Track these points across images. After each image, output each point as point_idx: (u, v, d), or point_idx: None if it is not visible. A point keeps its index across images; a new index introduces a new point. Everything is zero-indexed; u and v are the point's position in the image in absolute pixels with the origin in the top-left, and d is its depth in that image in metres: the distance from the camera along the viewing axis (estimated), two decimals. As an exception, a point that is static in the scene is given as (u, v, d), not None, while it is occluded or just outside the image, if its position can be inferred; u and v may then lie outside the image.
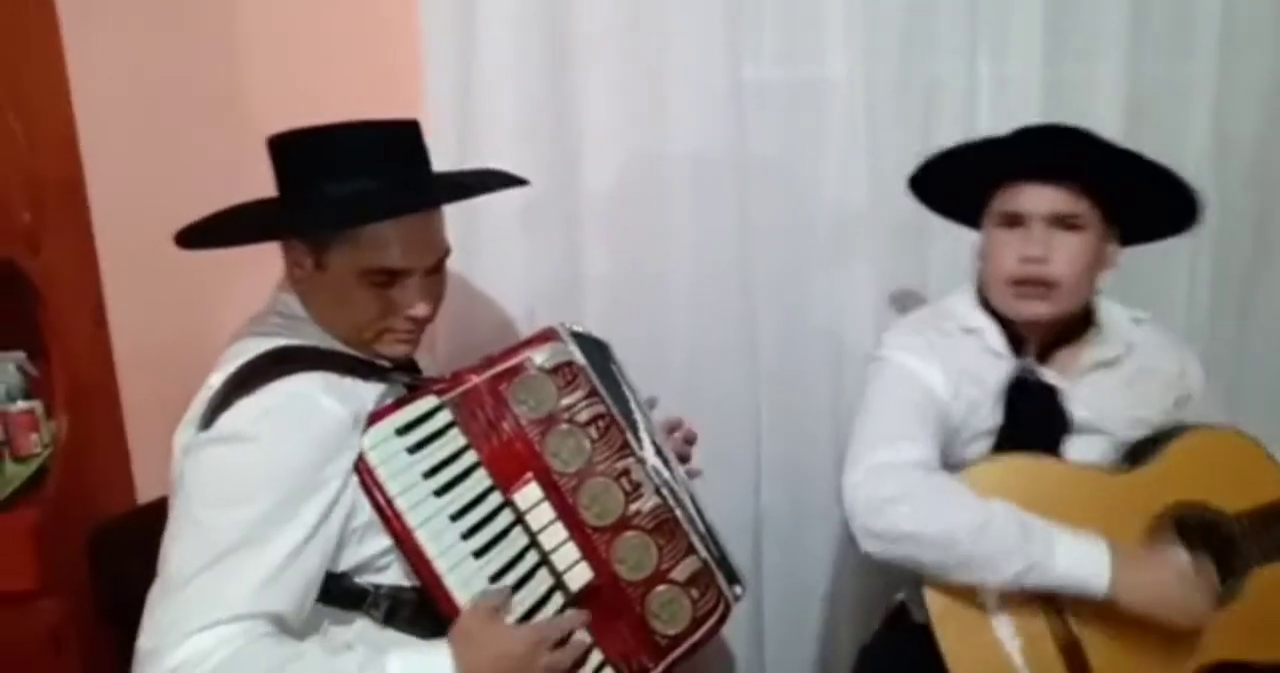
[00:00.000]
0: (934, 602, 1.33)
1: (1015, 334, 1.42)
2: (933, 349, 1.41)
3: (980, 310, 1.45)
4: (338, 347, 1.13)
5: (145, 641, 0.95)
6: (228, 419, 1.02)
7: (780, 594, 1.81)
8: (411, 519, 1.05)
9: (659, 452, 1.21)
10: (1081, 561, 1.24)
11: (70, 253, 1.57)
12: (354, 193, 1.07)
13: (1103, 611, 1.28)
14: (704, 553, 1.18)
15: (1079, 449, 1.40)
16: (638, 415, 1.21)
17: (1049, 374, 1.41)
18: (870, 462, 1.31)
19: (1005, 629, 1.31)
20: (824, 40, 1.66)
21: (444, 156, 1.41)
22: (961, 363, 1.41)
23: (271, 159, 1.13)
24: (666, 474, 1.19)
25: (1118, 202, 1.36)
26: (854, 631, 1.80)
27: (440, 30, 1.58)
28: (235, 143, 1.50)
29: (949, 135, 1.68)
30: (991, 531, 1.25)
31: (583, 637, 1.09)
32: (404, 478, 1.06)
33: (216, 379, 1.08)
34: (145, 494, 1.65)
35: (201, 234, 1.11)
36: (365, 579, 1.08)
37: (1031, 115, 1.68)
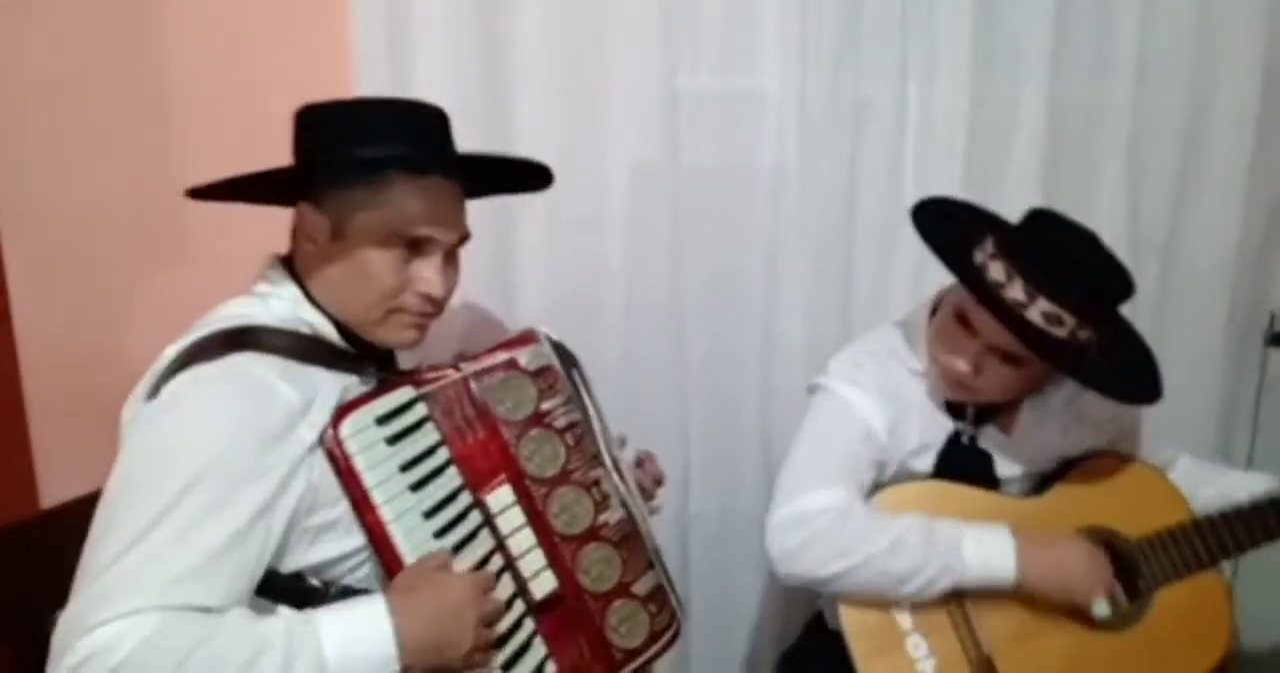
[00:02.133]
0: (848, 620, 1.33)
1: None
2: (877, 385, 1.37)
3: (928, 358, 1.40)
4: (320, 331, 1.05)
5: (56, 635, 0.85)
6: (169, 393, 0.94)
7: (707, 601, 1.76)
8: (387, 513, 0.98)
9: (616, 466, 1.17)
10: (988, 551, 1.26)
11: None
12: (387, 155, 1.03)
13: (1015, 632, 1.30)
14: (659, 570, 1.15)
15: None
16: (599, 429, 1.16)
17: (987, 435, 1.40)
18: (790, 509, 1.31)
19: (919, 649, 1.31)
20: (758, 53, 1.63)
21: None
22: (903, 404, 1.38)
23: (296, 129, 1.07)
24: (623, 489, 1.15)
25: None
26: (778, 637, 1.76)
27: (372, 41, 1.50)
28: (153, 134, 1.44)
29: (877, 150, 1.67)
30: (902, 549, 1.26)
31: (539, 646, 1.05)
32: (382, 469, 0.99)
33: (172, 351, 1.00)
34: (49, 499, 1.54)
35: (220, 189, 1.03)
36: (315, 579, 1.00)
37: (956, 134, 1.66)
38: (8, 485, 1.52)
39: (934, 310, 1.42)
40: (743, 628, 1.82)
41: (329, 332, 1.07)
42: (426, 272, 1.06)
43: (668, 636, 1.14)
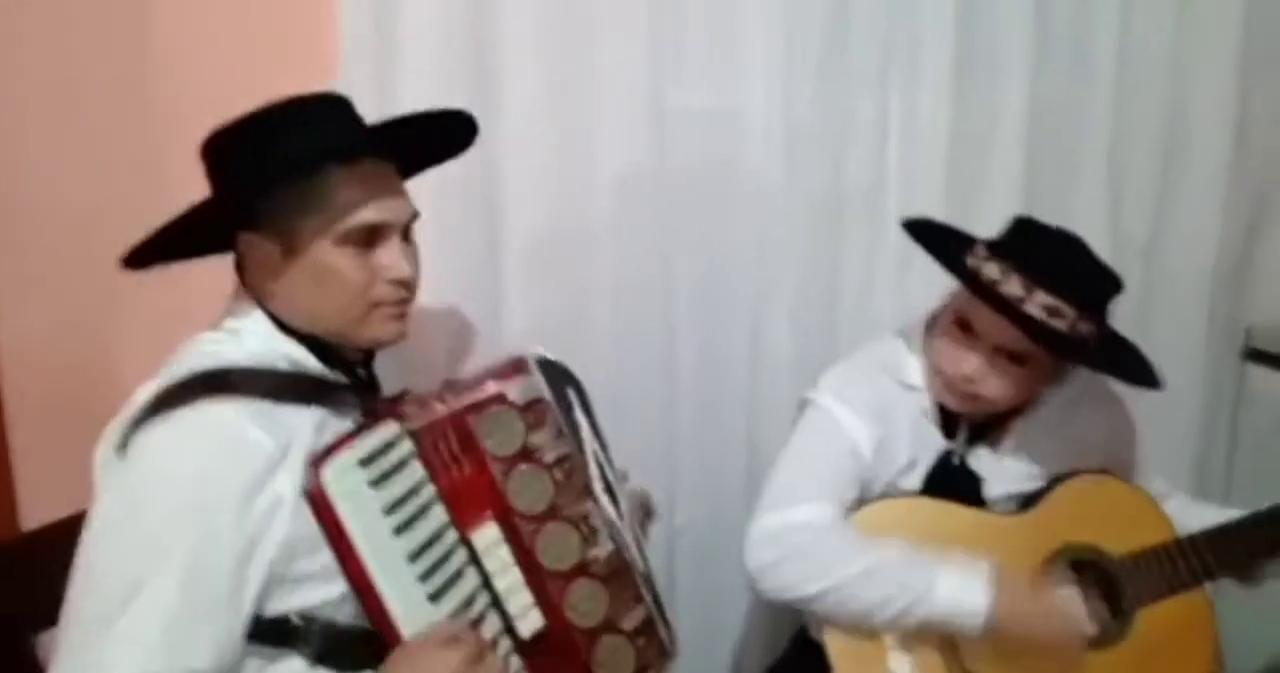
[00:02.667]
0: (832, 640, 1.31)
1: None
2: (866, 403, 1.36)
3: (923, 370, 1.38)
4: (298, 361, 1.01)
5: None
6: (140, 446, 0.91)
7: (692, 614, 1.72)
8: (370, 562, 0.94)
9: (609, 488, 1.14)
10: (960, 589, 1.23)
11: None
12: (315, 147, 0.98)
13: (999, 652, 1.27)
14: (649, 601, 1.13)
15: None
16: (591, 452, 1.14)
17: (977, 456, 1.38)
18: (770, 521, 1.30)
19: (901, 665, 1.29)
20: (742, 67, 1.60)
21: None
22: (893, 421, 1.36)
23: (207, 162, 1.03)
24: (615, 519, 1.12)
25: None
26: (765, 651, 1.73)
27: (359, 59, 1.47)
28: (142, 140, 1.40)
29: (861, 164, 1.65)
30: (876, 576, 1.24)
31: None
32: (365, 516, 0.95)
33: (143, 394, 0.96)
34: (30, 514, 1.48)
35: (151, 251, 0.99)
36: (296, 618, 0.97)
37: (939, 143, 1.65)
38: None
39: (929, 326, 1.40)
40: (729, 641, 1.80)
41: (307, 360, 1.03)
42: (388, 258, 1.03)
43: (654, 669, 1.12)
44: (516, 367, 1.08)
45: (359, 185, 1.00)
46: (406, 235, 1.07)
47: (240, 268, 1.06)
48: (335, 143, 1.00)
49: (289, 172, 0.97)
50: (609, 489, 1.15)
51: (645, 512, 1.30)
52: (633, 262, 1.62)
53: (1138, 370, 1.33)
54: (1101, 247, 1.62)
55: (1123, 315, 1.71)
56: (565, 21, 1.53)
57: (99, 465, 0.95)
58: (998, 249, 1.29)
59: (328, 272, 1.00)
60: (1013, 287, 1.24)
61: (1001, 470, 1.40)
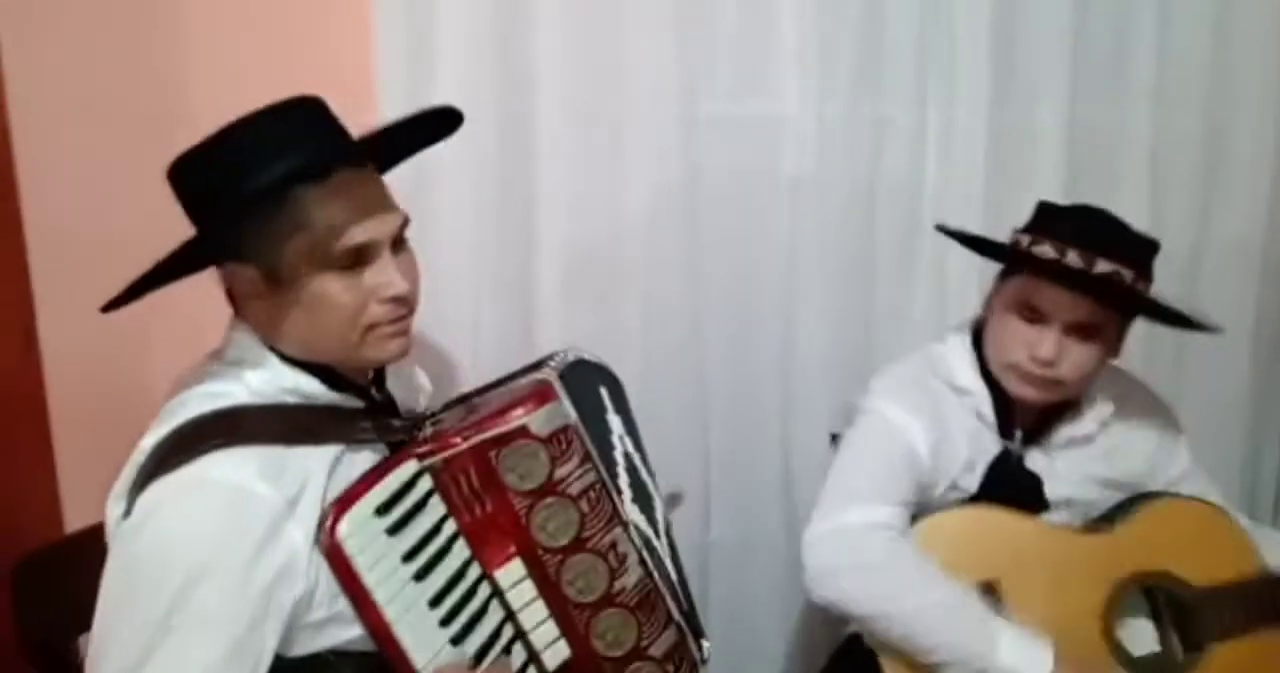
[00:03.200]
0: (887, 662, 1.27)
1: (1006, 401, 1.34)
2: (918, 407, 1.33)
3: (975, 371, 1.35)
4: (306, 393, 0.97)
5: None
6: (146, 507, 0.87)
7: (726, 629, 1.70)
8: (390, 611, 0.91)
9: (641, 490, 1.10)
10: (1024, 657, 1.19)
11: (0, 268, 1.45)
12: (279, 175, 0.90)
13: None
14: (679, 618, 1.09)
15: (1050, 516, 1.35)
16: (621, 453, 1.10)
17: (1033, 459, 1.35)
18: (835, 522, 1.26)
19: None
20: (776, 75, 1.59)
21: (395, 180, 1.40)
22: (946, 424, 1.33)
23: (176, 190, 0.97)
24: (648, 529, 1.09)
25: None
26: (800, 665, 1.72)
27: (393, 63, 1.48)
28: (177, 151, 1.49)
29: (897, 173, 1.63)
30: (940, 619, 1.20)
31: None
32: (383, 566, 0.91)
33: (148, 443, 0.92)
34: (74, 522, 1.51)
35: (137, 291, 0.96)
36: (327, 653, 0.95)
37: (975, 155, 1.63)
38: (34, 510, 1.50)
39: (977, 329, 1.38)
40: (764, 656, 1.77)
41: (315, 389, 0.98)
42: (381, 276, 0.96)
43: None
44: (541, 394, 1.00)
45: (337, 202, 0.93)
46: (399, 243, 0.99)
47: (231, 294, 1.01)
48: (301, 161, 0.92)
49: (256, 202, 0.91)
50: (640, 493, 1.11)
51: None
52: (664, 269, 1.60)
53: (1194, 322, 1.32)
54: None
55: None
56: (597, 29, 1.52)
57: (109, 523, 0.92)
58: (1037, 232, 1.29)
59: (317, 298, 0.95)
60: (1073, 259, 1.24)
61: (1055, 473, 1.36)
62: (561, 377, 1.07)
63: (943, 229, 1.39)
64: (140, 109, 1.49)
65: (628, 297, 1.61)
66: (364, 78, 1.50)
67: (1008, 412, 1.35)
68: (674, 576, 1.14)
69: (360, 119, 1.47)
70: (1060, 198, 1.63)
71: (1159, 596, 1.34)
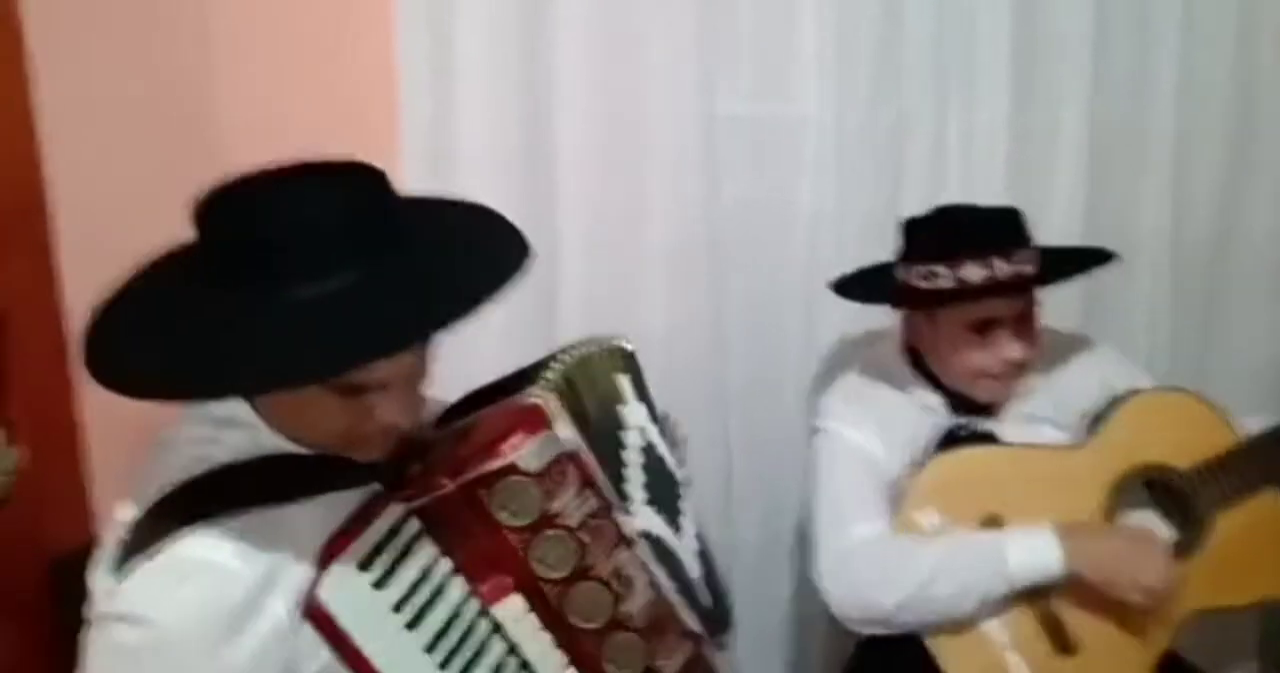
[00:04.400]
0: None
1: (953, 392, 1.38)
2: (868, 415, 1.37)
3: (911, 372, 1.41)
4: (286, 448, 0.91)
5: None
6: (125, 595, 0.84)
7: (749, 630, 1.69)
8: (382, 665, 0.88)
9: (657, 489, 1.06)
10: (1033, 554, 1.24)
11: (31, 277, 1.46)
12: (328, 296, 0.81)
13: (1085, 592, 1.27)
14: (694, 628, 1.05)
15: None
16: (635, 453, 1.07)
17: (983, 423, 1.39)
18: (836, 554, 1.30)
19: (992, 626, 1.29)
20: (795, 77, 1.57)
21: (413, 184, 1.32)
22: (897, 426, 1.37)
23: (200, 233, 0.87)
24: (665, 530, 1.05)
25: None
26: (823, 665, 1.70)
27: (415, 64, 1.46)
28: (204, 166, 1.47)
29: (918, 174, 1.62)
30: (946, 572, 1.24)
31: None
32: (371, 622, 0.87)
33: (125, 516, 0.88)
34: (104, 527, 1.62)
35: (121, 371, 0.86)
36: None
37: (996, 156, 1.60)
38: (66, 511, 1.51)
39: (910, 348, 1.42)
40: (786, 655, 1.76)
41: (296, 449, 0.91)
42: (384, 406, 0.87)
43: None
44: (531, 423, 0.92)
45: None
46: (414, 375, 0.90)
47: None
48: (349, 364, 0.82)
49: (323, 367, 0.82)
50: (659, 484, 1.07)
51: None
52: (685, 277, 1.58)
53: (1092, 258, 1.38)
54: (1164, 259, 1.61)
55: (1191, 320, 1.69)
56: (615, 36, 1.50)
57: (94, 595, 0.89)
58: (936, 257, 1.31)
59: (309, 409, 0.87)
60: (1001, 268, 1.29)
61: (1010, 430, 1.39)
62: (567, 381, 1.00)
63: (842, 291, 1.42)
64: (166, 118, 1.49)
65: (650, 300, 1.59)
66: (385, 84, 1.50)
67: (955, 399, 1.39)
68: (694, 574, 1.09)
69: (381, 116, 1.52)
70: (1083, 194, 1.62)
71: (1156, 486, 1.37)
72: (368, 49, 1.51)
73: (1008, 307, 1.30)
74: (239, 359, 0.81)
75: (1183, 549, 1.33)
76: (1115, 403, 1.37)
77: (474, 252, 0.92)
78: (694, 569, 1.10)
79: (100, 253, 1.50)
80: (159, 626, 0.82)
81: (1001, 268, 1.28)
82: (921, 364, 1.41)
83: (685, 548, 1.10)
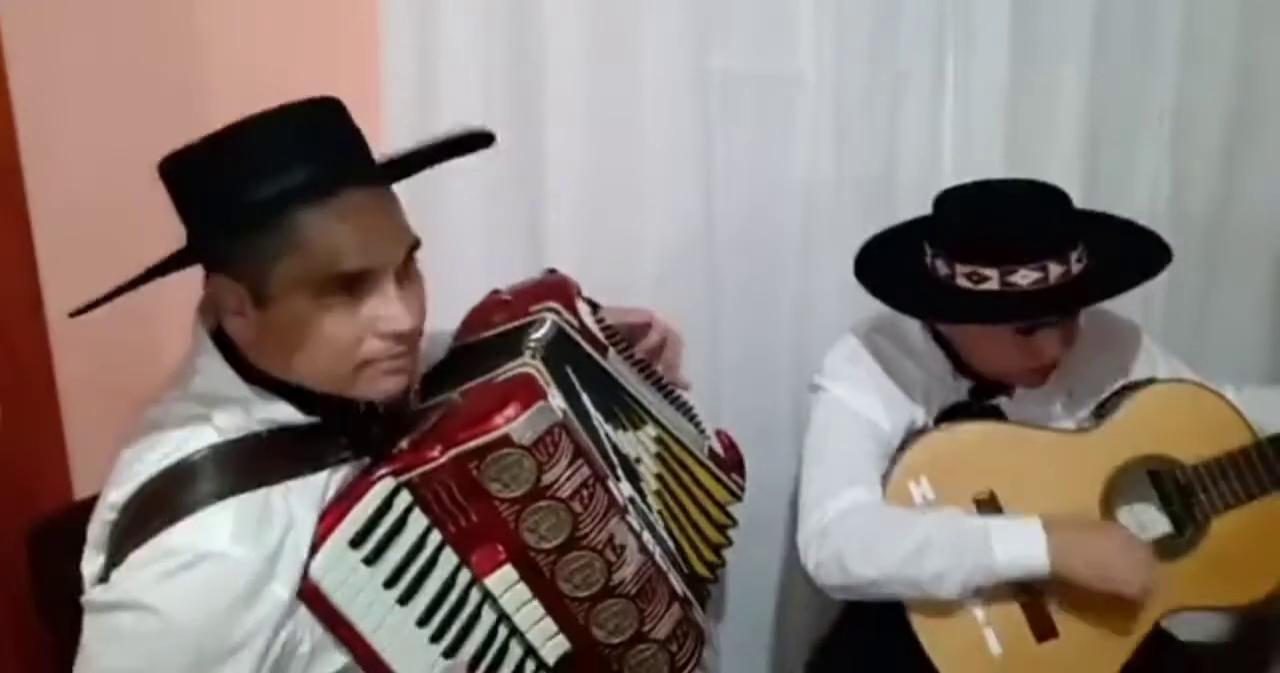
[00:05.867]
0: None
1: (964, 366, 1.34)
2: (872, 378, 1.33)
3: (926, 335, 1.36)
4: (278, 418, 0.89)
5: None
6: (122, 580, 0.83)
7: (735, 596, 1.69)
8: (376, 640, 0.88)
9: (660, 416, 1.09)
10: (1019, 548, 1.21)
11: (4, 235, 1.45)
12: (281, 190, 0.82)
13: (1070, 585, 1.24)
14: (682, 591, 1.05)
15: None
16: (614, 411, 1.06)
17: (995, 400, 1.36)
18: (820, 519, 1.27)
19: (978, 611, 1.27)
20: (792, 34, 1.53)
21: (402, 142, 1.39)
22: (901, 391, 1.34)
23: (168, 189, 0.88)
24: (647, 518, 1.04)
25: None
26: (810, 629, 1.69)
27: (401, 14, 1.44)
28: (183, 125, 1.44)
29: (916, 132, 1.58)
30: (930, 551, 1.21)
31: None
32: (363, 598, 0.87)
33: (115, 497, 0.86)
34: (82, 488, 1.52)
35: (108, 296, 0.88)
36: None
37: (996, 116, 1.57)
38: (44, 478, 1.49)
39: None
40: (772, 621, 1.76)
41: (290, 416, 0.89)
42: (382, 308, 0.86)
43: (691, 663, 1.07)
44: (524, 395, 0.92)
45: (337, 225, 0.84)
46: (407, 270, 0.90)
47: (208, 309, 0.92)
48: (302, 179, 0.83)
49: (249, 218, 0.83)
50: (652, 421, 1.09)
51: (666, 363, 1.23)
52: (679, 234, 1.56)
53: (1141, 262, 1.29)
54: (1163, 218, 1.58)
55: (1188, 289, 1.66)
56: None
57: (86, 580, 0.88)
58: (985, 259, 1.22)
59: (307, 328, 0.85)
60: (1056, 276, 1.21)
61: (1018, 409, 1.36)
62: (549, 345, 1.00)
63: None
64: (146, 85, 1.46)
65: (640, 256, 1.58)
66: (370, 39, 1.47)
67: (968, 368, 1.35)
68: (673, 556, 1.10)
69: (366, 74, 1.49)
70: (1080, 152, 1.61)
71: (1161, 478, 1.34)
72: (353, 7, 1.49)
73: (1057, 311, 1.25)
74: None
75: (1177, 546, 1.32)
76: (1128, 391, 1.35)
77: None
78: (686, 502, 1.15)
79: (75, 215, 1.48)
80: (164, 613, 0.82)
81: (1055, 270, 1.22)
82: (942, 339, 1.36)
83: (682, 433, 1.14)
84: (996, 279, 1.22)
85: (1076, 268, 1.23)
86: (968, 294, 1.24)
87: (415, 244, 0.91)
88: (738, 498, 1.20)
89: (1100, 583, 1.22)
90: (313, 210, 0.83)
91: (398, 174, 0.94)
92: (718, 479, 1.18)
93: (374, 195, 0.88)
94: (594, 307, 1.16)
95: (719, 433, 1.27)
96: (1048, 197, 1.26)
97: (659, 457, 1.12)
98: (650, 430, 1.12)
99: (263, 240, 0.84)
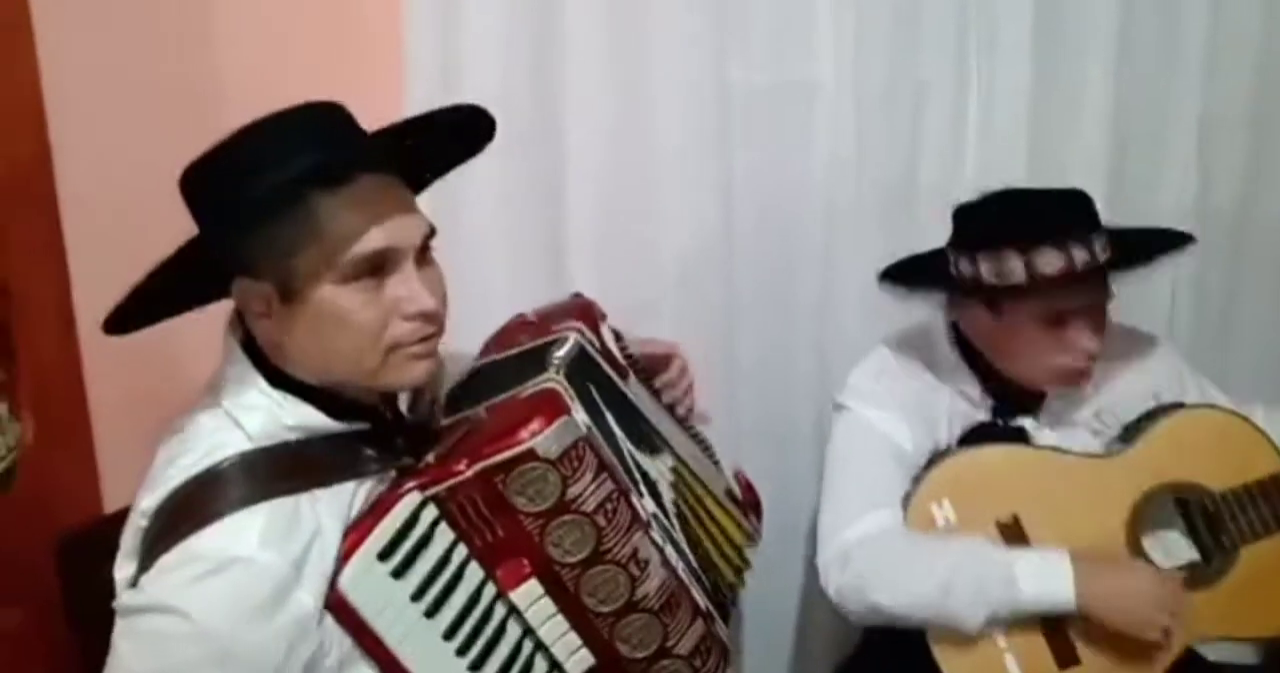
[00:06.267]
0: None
1: (997, 381, 1.33)
2: (896, 398, 1.32)
3: (957, 354, 1.35)
4: (308, 424, 0.90)
5: None
6: (152, 584, 0.84)
7: (757, 611, 1.68)
8: (403, 653, 0.88)
9: (678, 460, 1.08)
10: (1045, 584, 1.19)
11: (37, 250, 1.46)
12: (293, 176, 0.84)
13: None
14: (705, 606, 1.05)
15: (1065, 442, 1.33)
16: (634, 433, 1.06)
17: (1019, 420, 1.34)
18: (841, 543, 1.26)
19: (1000, 638, 1.25)
20: (812, 43, 1.54)
21: None
22: (926, 410, 1.32)
23: (186, 199, 0.90)
24: (670, 529, 1.04)
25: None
26: (833, 646, 1.69)
27: (423, 27, 1.45)
28: (212, 136, 1.51)
29: (937, 138, 1.59)
30: (957, 585, 1.20)
31: None
32: (390, 611, 0.88)
33: (147, 504, 0.87)
34: (112, 502, 1.54)
35: (141, 310, 0.90)
36: None
37: (1019, 122, 1.57)
38: (74, 492, 1.51)
39: (956, 333, 1.35)
40: (795, 637, 1.75)
41: (319, 422, 0.90)
42: (404, 289, 0.88)
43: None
44: (548, 410, 0.92)
45: (354, 209, 0.85)
46: (425, 256, 0.91)
47: (240, 314, 0.94)
48: (316, 161, 0.84)
49: (265, 207, 0.84)
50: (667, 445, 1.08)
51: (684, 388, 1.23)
52: (699, 242, 1.56)
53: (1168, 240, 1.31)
54: (1188, 225, 1.54)
55: (1213, 287, 1.66)
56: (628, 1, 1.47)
57: (118, 585, 0.89)
58: (1006, 244, 1.22)
59: (333, 315, 0.87)
60: (1080, 256, 1.21)
61: (1044, 430, 1.35)
62: (572, 362, 1.01)
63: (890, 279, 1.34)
64: (172, 86, 1.48)
65: (661, 266, 1.59)
66: (392, 49, 1.49)
67: (997, 389, 1.33)
68: (709, 522, 1.11)
69: (388, 82, 1.48)
70: (1105, 159, 1.60)
71: (1189, 506, 1.33)
72: (374, 19, 1.52)
73: (1085, 296, 1.25)
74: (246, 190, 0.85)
75: (1204, 575, 1.31)
76: (1156, 415, 1.33)
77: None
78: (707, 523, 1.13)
79: (108, 231, 1.50)
80: (192, 617, 0.82)
81: (1079, 254, 1.21)
82: (969, 353, 1.35)
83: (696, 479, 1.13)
84: (1022, 270, 1.21)
85: (1101, 257, 1.22)
86: (990, 281, 1.24)
87: (431, 231, 0.92)
88: (753, 541, 1.18)
89: (1126, 627, 1.21)
90: (328, 196, 0.85)
91: (414, 177, 0.96)
92: (734, 519, 1.17)
93: (387, 181, 0.90)
94: (617, 335, 1.17)
95: (737, 474, 1.26)
96: (1068, 192, 1.27)
97: (674, 487, 1.11)
98: (667, 460, 1.11)
99: (282, 234, 0.85)
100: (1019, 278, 1.21)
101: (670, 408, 1.18)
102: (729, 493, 1.18)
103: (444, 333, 0.93)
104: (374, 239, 0.86)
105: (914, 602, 1.21)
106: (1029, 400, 1.34)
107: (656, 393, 1.18)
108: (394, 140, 0.90)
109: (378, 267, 0.87)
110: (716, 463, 1.21)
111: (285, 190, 0.83)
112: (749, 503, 1.21)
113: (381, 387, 0.93)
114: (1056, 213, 1.24)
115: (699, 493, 1.14)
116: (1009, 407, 1.33)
